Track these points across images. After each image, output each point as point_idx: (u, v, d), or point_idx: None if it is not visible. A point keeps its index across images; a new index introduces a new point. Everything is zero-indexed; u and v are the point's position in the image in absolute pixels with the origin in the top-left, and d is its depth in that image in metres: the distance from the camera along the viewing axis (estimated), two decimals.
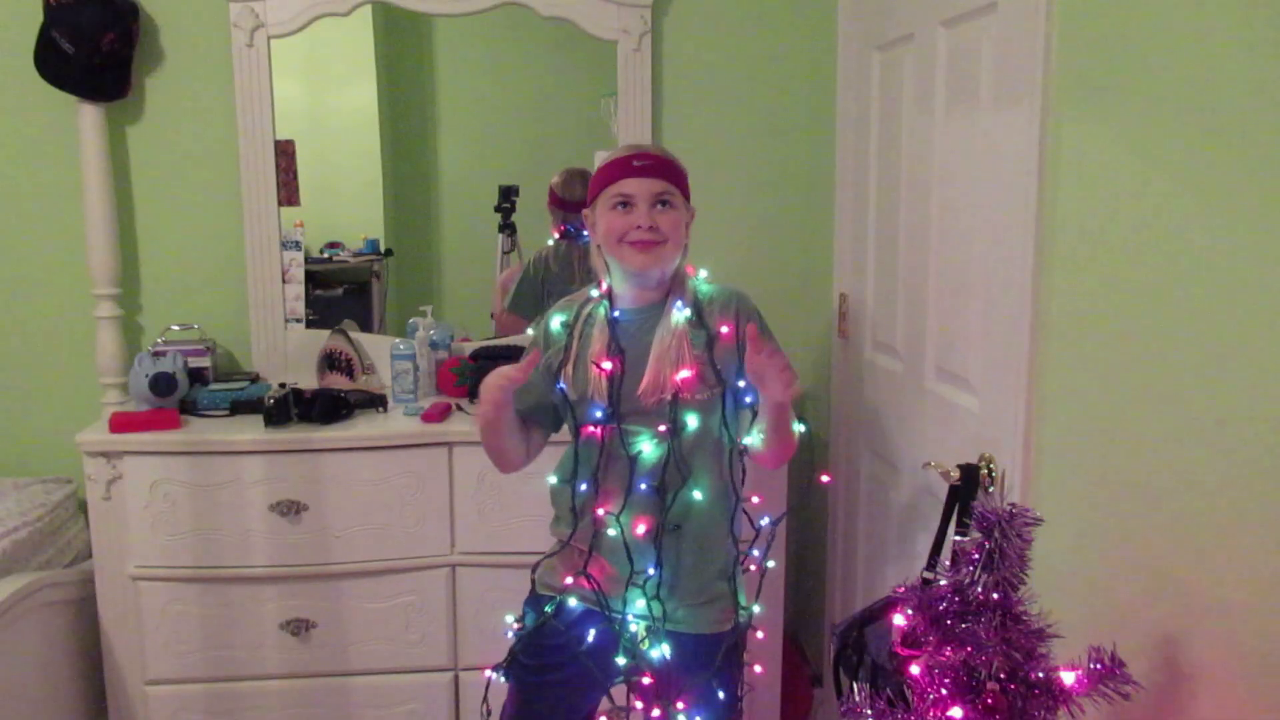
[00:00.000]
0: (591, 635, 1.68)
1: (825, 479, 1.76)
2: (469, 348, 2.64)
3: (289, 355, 2.64)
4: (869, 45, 2.28)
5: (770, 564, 1.72)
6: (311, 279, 2.69)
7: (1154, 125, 1.28)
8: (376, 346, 2.62)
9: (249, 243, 2.60)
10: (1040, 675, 1.17)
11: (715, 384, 1.64)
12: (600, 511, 1.64)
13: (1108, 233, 1.37)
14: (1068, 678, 1.17)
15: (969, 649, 1.18)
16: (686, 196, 1.69)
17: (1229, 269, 1.14)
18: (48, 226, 2.60)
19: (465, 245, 2.81)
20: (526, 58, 2.79)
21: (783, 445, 1.66)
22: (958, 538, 1.58)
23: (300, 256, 2.65)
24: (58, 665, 2.30)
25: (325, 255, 2.77)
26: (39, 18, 2.41)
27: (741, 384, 1.65)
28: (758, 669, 1.74)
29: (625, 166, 1.64)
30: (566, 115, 2.82)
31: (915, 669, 1.27)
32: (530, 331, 1.80)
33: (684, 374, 1.60)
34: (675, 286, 1.68)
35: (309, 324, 2.66)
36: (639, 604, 1.65)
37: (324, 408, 2.31)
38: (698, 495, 1.64)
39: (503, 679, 1.75)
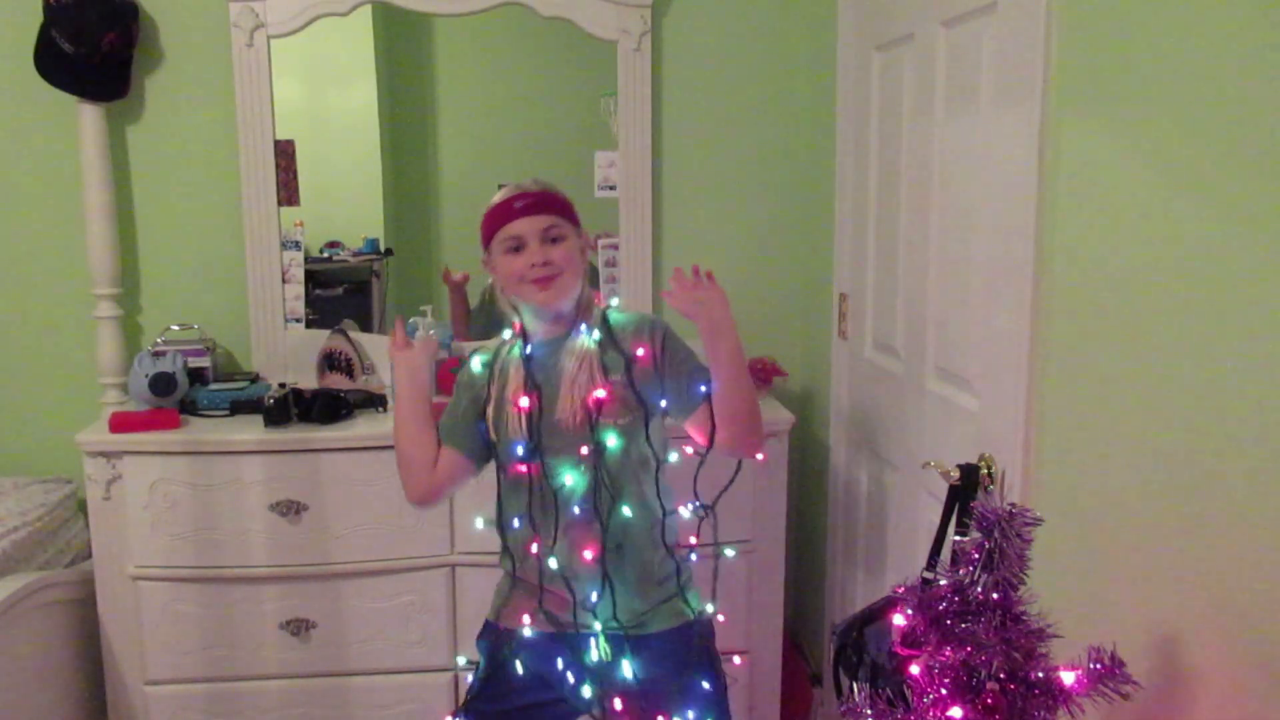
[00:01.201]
0: (560, 664, 1.69)
1: (760, 457, 1.72)
2: (469, 348, 2.64)
3: (289, 355, 2.64)
4: (869, 45, 2.28)
5: (729, 552, 1.71)
6: (311, 279, 2.69)
7: (1154, 125, 1.28)
8: (376, 346, 2.62)
9: (249, 243, 2.60)
10: (1040, 675, 1.17)
11: (636, 407, 1.66)
12: (534, 548, 1.66)
13: (1108, 233, 1.37)
14: (1068, 678, 1.17)
15: (969, 649, 1.17)
16: (576, 224, 1.71)
17: (1229, 268, 1.14)
18: (48, 226, 2.60)
19: (465, 245, 2.80)
20: (526, 58, 2.79)
21: (748, 406, 1.65)
22: (958, 538, 1.58)
23: (300, 256, 2.65)
24: (58, 665, 2.30)
25: (325, 255, 2.77)
26: (39, 18, 2.41)
27: (663, 404, 1.67)
28: (736, 660, 1.75)
29: (508, 210, 1.66)
30: (566, 115, 2.82)
31: (915, 669, 1.26)
32: (460, 372, 1.80)
33: (599, 393, 1.63)
34: (582, 314, 1.71)
35: (309, 324, 2.66)
36: (597, 626, 1.67)
37: (324, 408, 2.31)
38: (627, 512, 1.66)
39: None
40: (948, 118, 1.88)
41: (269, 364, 2.63)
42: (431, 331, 2.53)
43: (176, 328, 2.59)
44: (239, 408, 2.40)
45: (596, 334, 1.68)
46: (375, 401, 2.43)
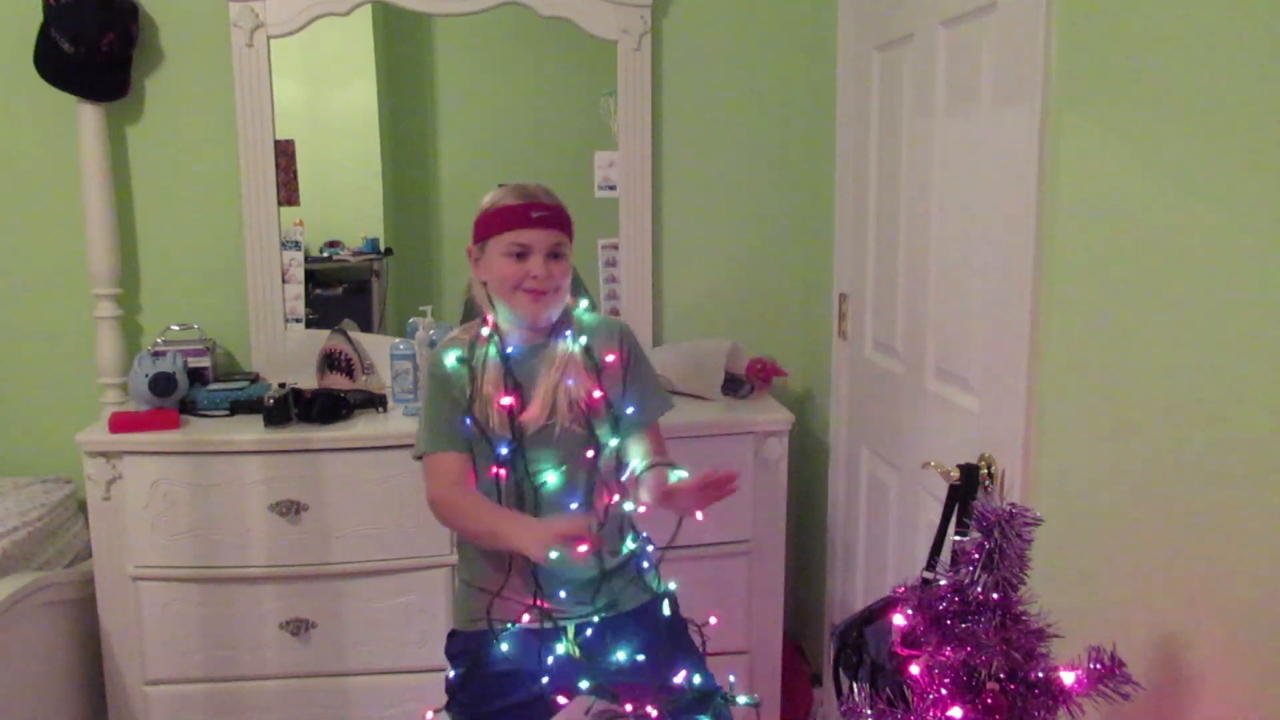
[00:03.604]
0: (543, 657, 1.69)
1: (699, 516, 1.74)
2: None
3: (289, 355, 2.63)
4: (869, 45, 2.28)
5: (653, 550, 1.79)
6: (311, 278, 2.69)
7: (1154, 125, 1.28)
8: (376, 346, 2.62)
9: (249, 243, 2.60)
10: (1040, 675, 1.17)
11: (606, 410, 1.71)
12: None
13: (1108, 232, 1.37)
14: (1068, 678, 1.17)
15: (969, 649, 1.18)
16: (572, 239, 1.73)
17: (1228, 268, 1.14)
18: (48, 226, 2.60)
19: (465, 245, 2.80)
20: (526, 58, 2.79)
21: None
22: (958, 538, 1.58)
23: (300, 256, 2.65)
24: (58, 665, 2.30)
25: (325, 255, 2.77)
26: (39, 18, 2.41)
27: (630, 410, 1.72)
28: (713, 620, 1.80)
29: (523, 217, 1.67)
30: (566, 115, 2.82)
31: (915, 669, 1.27)
32: (432, 369, 1.75)
33: (596, 393, 1.68)
34: (561, 323, 1.74)
35: (309, 324, 2.66)
36: (578, 611, 1.71)
37: (324, 408, 2.31)
38: (629, 506, 1.70)
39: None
40: (948, 118, 1.88)
41: (269, 364, 2.63)
42: (429, 329, 2.53)
43: (176, 328, 2.59)
44: (239, 408, 2.40)
45: (583, 339, 1.72)
46: (375, 401, 2.43)
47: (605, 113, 2.72)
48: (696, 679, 1.70)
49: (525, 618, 1.69)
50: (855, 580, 2.43)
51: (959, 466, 1.65)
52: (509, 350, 1.71)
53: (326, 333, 2.61)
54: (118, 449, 2.24)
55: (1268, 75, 1.08)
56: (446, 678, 1.77)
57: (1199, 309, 1.19)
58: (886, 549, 2.22)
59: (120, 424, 2.28)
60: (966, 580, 1.18)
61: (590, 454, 1.69)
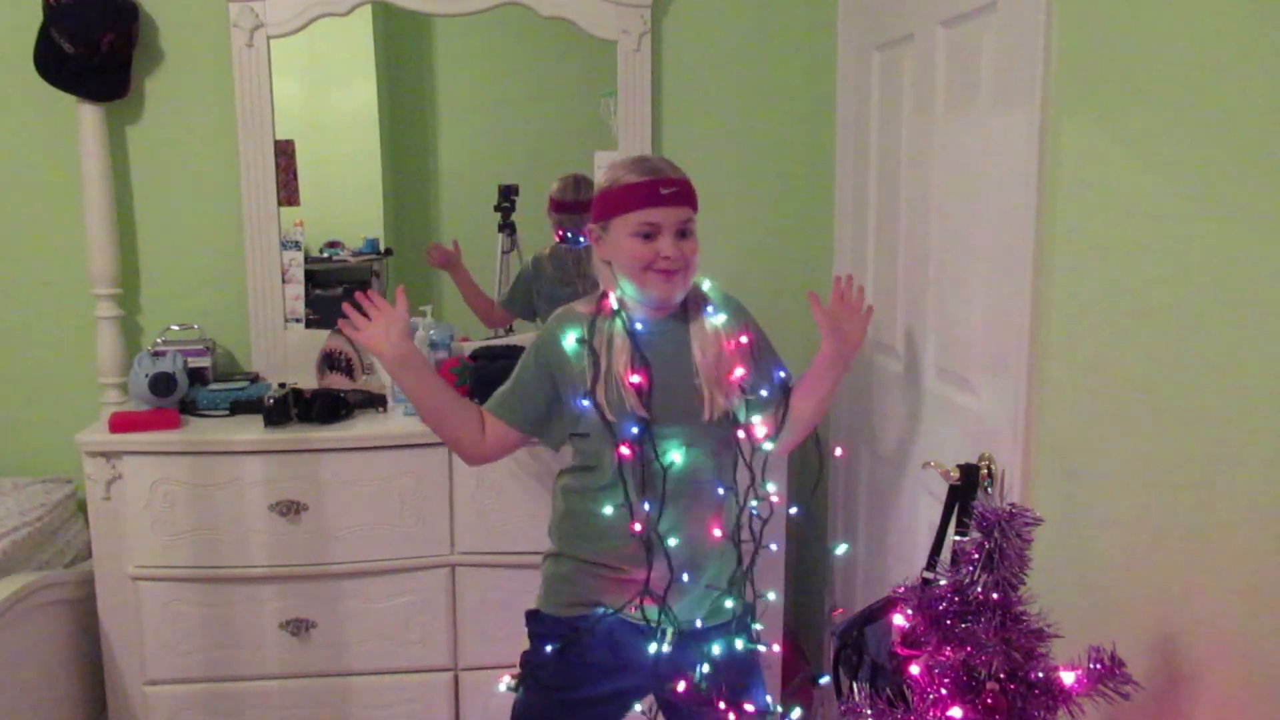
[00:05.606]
0: (643, 651, 1.66)
1: (839, 452, 1.80)
2: (469, 348, 2.64)
3: (289, 355, 2.63)
4: (869, 45, 2.28)
5: (773, 547, 1.81)
6: (311, 278, 2.69)
7: (1154, 125, 1.28)
8: None
9: (249, 243, 2.60)
10: (1040, 675, 1.17)
11: (744, 389, 1.69)
12: (636, 526, 1.62)
13: (1107, 233, 1.37)
14: (1068, 678, 1.17)
15: (969, 649, 1.18)
16: (697, 211, 1.69)
17: (1228, 269, 1.14)
18: (48, 226, 2.60)
19: (465, 245, 2.80)
20: (526, 58, 2.79)
21: (814, 421, 1.76)
22: (958, 538, 1.58)
23: (300, 256, 2.65)
24: (58, 665, 2.30)
25: (325, 255, 2.77)
26: (39, 18, 2.40)
27: (763, 392, 1.71)
28: (776, 647, 1.86)
29: (652, 194, 1.60)
30: (566, 115, 2.82)
31: (915, 669, 1.27)
32: (540, 347, 1.73)
33: (739, 371, 1.65)
34: (692, 295, 1.71)
35: (309, 324, 2.66)
36: (690, 608, 1.68)
37: (324, 408, 2.31)
38: (771, 487, 1.70)
39: (517, 691, 1.73)
40: (948, 118, 1.88)
41: (269, 364, 2.63)
42: (429, 330, 2.53)
43: (176, 328, 2.59)
44: (239, 408, 2.40)
45: (723, 315, 1.68)
46: (375, 401, 2.43)
47: (605, 113, 2.72)
48: (757, 709, 1.69)
49: (619, 603, 1.64)
50: (855, 580, 2.43)
51: (959, 466, 1.65)
52: (637, 326, 1.65)
53: (326, 333, 2.61)
54: (117, 449, 2.24)
55: (1267, 75, 1.08)
56: (527, 653, 1.72)
57: (1199, 309, 1.19)
58: (886, 549, 2.22)
59: (120, 424, 2.28)
60: (966, 580, 1.18)
61: (730, 434, 1.67)
